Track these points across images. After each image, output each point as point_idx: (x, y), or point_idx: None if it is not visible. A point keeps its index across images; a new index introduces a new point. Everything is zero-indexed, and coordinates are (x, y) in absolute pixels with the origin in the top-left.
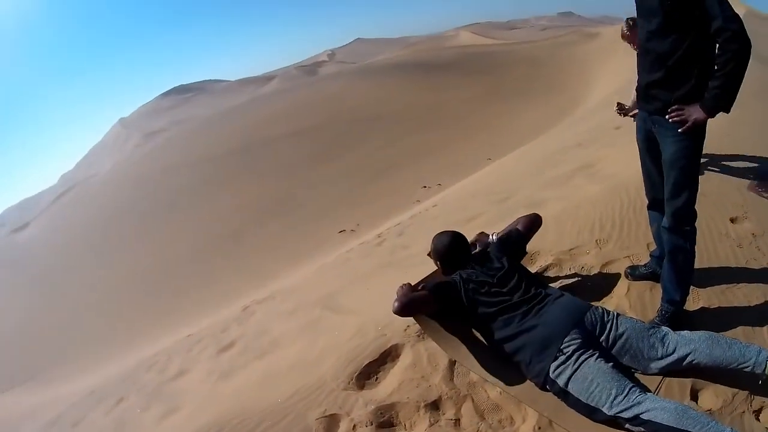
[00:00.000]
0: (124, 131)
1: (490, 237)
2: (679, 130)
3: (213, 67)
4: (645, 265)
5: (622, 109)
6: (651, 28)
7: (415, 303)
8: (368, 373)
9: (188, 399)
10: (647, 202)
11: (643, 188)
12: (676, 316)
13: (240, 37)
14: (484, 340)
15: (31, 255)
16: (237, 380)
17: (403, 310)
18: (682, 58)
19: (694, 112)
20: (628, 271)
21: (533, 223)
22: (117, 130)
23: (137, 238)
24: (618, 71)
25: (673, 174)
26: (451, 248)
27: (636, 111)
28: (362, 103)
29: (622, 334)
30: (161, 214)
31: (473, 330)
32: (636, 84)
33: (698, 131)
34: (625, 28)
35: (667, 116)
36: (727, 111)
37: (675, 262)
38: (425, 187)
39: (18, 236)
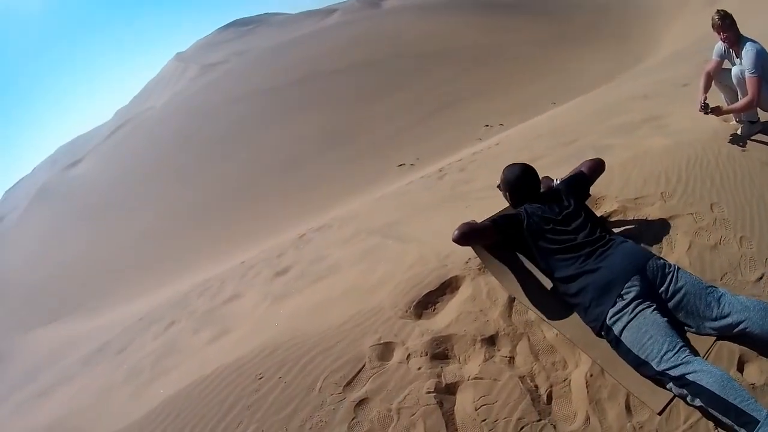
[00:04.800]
0: (180, 65)
1: (555, 181)
2: None
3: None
4: None
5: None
6: None
7: (475, 232)
8: (426, 303)
9: (241, 322)
10: None
11: (711, 148)
12: None
13: None
14: (543, 280)
15: (84, 189)
16: (292, 304)
17: (461, 239)
18: None
19: None
20: None
21: (598, 166)
22: (174, 64)
23: (193, 170)
24: (686, 30)
25: None
26: (521, 179)
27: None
28: (426, 38)
29: (680, 288)
30: (219, 144)
31: (534, 269)
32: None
33: None
34: (716, 18)
35: None
36: None
37: None
38: (487, 125)
39: (71, 172)
